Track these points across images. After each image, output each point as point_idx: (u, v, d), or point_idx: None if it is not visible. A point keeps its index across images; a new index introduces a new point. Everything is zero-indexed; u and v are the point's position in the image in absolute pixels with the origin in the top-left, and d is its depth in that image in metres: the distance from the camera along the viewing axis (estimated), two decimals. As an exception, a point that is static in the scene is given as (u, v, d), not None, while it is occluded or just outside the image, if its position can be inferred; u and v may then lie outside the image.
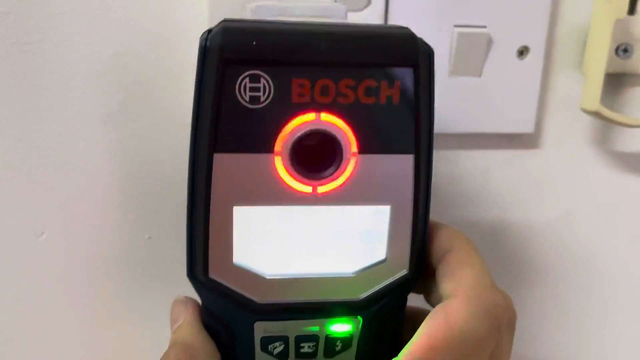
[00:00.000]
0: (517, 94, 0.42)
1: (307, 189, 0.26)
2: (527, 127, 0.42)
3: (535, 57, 0.41)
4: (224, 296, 0.26)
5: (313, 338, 0.28)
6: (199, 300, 0.28)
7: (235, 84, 0.24)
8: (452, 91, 0.40)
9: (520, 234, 0.45)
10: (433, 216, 0.42)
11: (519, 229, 0.45)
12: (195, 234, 0.26)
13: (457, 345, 0.24)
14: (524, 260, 0.46)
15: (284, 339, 0.28)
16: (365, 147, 0.25)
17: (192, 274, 0.27)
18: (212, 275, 0.26)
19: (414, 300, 0.30)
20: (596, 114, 0.41)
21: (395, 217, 0.27)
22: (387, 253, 0.27)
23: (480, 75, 0.40)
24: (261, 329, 0.27)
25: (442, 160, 0.43)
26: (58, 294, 0.39)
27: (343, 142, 0.25)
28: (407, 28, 0.26)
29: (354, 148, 0.25)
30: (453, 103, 0.41)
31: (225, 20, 0.25)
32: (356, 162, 0.25)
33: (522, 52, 0.41)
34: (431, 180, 0.27)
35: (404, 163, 0.26)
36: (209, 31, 0.24)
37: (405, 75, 0.25)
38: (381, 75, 0.24)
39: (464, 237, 0.28)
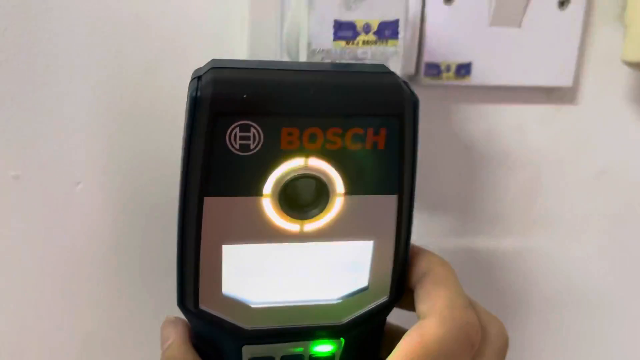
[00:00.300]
0: (556, 46, 0.41)
1: (295, 227, 0.26)
2: (565, 81, 0.41)
3: (576, 8, 0.40)
4: (213, 324, 0.27)
5: (298, 358, 0.29)
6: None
7: (226, 133, 0.24)
8: (490, 42, 0.40)
9: (555, 192, 0.45)
10: (469, 173, 0.41)
11: (554, 188, 0.44)
12: (185, 270, 0.26)
13: None
14: (558, 218, 0.45)
15: None
16: (351, 189, 0.26)
17: (182, 304, 0.27)
18: (202, 306, 0.27)
19: (395, 317, 0.31)
20: (638, 66, 0.40)
21: (377, 250, 0.28)
22: (369, 281, 0.28)
23: (519, 26, 0.40)
24: (249, 352, 0.28)
25: (478, 115, 0.42)
26: (92, 243, 0.39)
27: (330, 184, 0.26)
28: (394, 74, 0.26)
29: (340, 189, 0.26)
30: (491, 54, 0.40)
31: (214, 68, 0.25)
32: (342, 202, 0.26)
33: (563, 2, 0.40)
34: (413, 216, 0.28)
35: (388, 202, 0.27)
36: (199, 79, 0.24)
37: (391, 124, 0.25)
38: (367, 124, 0.25)
39: (441, 260, 0.29)
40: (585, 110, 0.43)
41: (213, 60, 0.26)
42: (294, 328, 0.28)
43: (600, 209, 0.45)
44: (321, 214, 0.26)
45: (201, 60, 0.26)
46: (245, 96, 0.24)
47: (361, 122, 0.25)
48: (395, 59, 0.30)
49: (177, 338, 0.29)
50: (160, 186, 0.39)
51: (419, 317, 0.27)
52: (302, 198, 0.26)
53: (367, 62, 0.30)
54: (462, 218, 0.44)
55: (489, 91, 0.42)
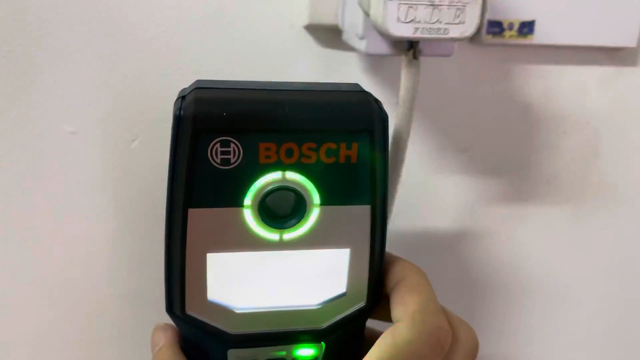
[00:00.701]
0: (621, 5, 0.39)
1: (274, 236, 0.28)
2: (629, 41, 0.40)
3: (643, -37, 0.39)
4: (200, 329, 0.29)
5: None
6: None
7: (207, 148, 0.26)
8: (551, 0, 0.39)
9: (613, 157, 0.44)
10: (526, 134, 0.41)
11: (611, 153, 0.44)
12: (172, 277, 0.28)
13: None
14: (614, 184, 0.44)
15: None
16: (326, 200, 0.27)
17: (170, 309, 0.29)
18: (189, 311, 0.28)
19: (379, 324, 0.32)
20: None
21: (354, 257, 0.29)
22: (347, 287, 0.30)
23: (584, -16, 0.39)
24: (234, 355, 0.30)
25: (538, 76, 0.41)
26: (147, 198, 0.39)
27: (306, 196, 0.27)
28: (365, 92, 0.28)
29: (317, 200, 0.27)
30: (554, 13, 0.39)
31: (197, 88, 0.26)
32: (318, 213, 0.28)
33: (629, -40, 0.39)
34: (386, 226, 0.29)
35: (362, 212, 0.28)
36: (183, 98, 0.26)
37: (362, 138, 0.27)
38: (340, 139, 0.27)
39: (415, 268, 0.30)
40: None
41: (197, 81, 0.28)
42: (276, 332, 0.30)
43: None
44: (299, 224, 0.28)
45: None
46: (224, 114, 0.25)
47: (334, 137, 0.26)
48: (474, 5, 0.30)
49: (166, 342, 0.31)
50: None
51: (393, 322, 0.28)
52: (281, 209, 0.28)
53: (444, 9, 0.30)
54: (517, 181, 0.43)
55: (550, 51, 0.41)
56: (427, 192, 0.42)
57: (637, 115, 0.43)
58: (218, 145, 0.26)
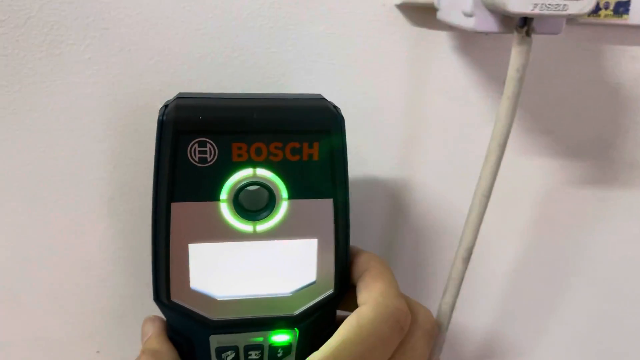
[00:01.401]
0: None
1: (249, 228, 0.31)
2: None
3: None
4: (184, 315, 0.32)
5: (258, 347, 0.33)
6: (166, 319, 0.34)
7: (187, 148, 0.29)
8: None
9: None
10: (611, 117, 0.40)
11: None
12: (158, 267, 0.31)
13: (364, 339, 0.29)
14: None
15: (235, 349, 0.33)
16: (293, 194, 0.31)
17: (157, 298, 0.32)
18: (174, 298, 0.31)
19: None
20: None
21: (321, 247, 0.32)
22: (316, 276, 0.33)
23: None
24: (215, 340, 0.33)
25: (628, 57, 0.40)
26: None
27: (275, 191, 0.31)
28: (323, 99, 0.31)
29: (285, 195, 0.31)
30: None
31: (178, 98, 0.30)
32: (287, 206, 0.31)
33: None
34: (349, 217, 0.32)
35: (326, 205, 0.31)
36: (166, 106, 0.30)
37: (322, 138, 0.30)
38: (303, 139, 0.30)
39: (378, 258, 0.33)
40: None
41: (179, 93, 0.31)
42: (253, 318, 0.33)
43: None
44: (270, 216, 0.31)
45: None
46: (201, 118, 0.29)
47: (297, 138, 0.30)
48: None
49: (155, 331, 0.34)
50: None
51: (359, 306, 0.31)
52: (253, 203, 0.31)
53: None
54: (600, 164, 0.43)
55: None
56: (511, 173, 0.42)
57: None
58: (196, 145, 0.29)
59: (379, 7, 0.37)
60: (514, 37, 0.31)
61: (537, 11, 0.29)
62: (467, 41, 0.38)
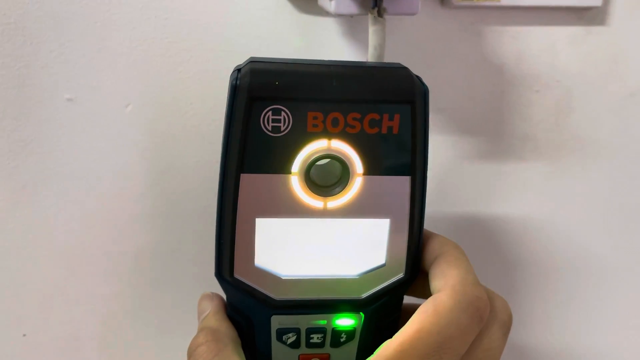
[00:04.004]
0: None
1: (319, 204, 0.29)
2: (595, 1, 0.41)
3: None
4: (246, 293, 0.30)
5: (321, 330, 0.32)
6: (224, 296, 0.32)
7: (260, 116, 0.28)
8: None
9: (585, 114, 0.45)
10: (499, 95, 0.42)
11: (584, 110, 0.45)
12: (223, 241, 0.30)
13: (442, 329, 0.27)
14: (587, 140, 0.46)
15: (296, 331, 0.32)
16: (369, 169, 0.29)
17: (219, 274, 0.31)
18: (237, 275, 0.30)
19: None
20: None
21: (393, 228, 0.30)
22: (386, 259, 0.31)
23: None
24: (277, 321, 0.31)
25: (509, 37, 0.43)
26: (142, 162, 0.41)
27: (350, 165, 0.29)
28: (406, 68, 0.29)
29: (359, 170, 0.29)
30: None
31: (251, 61, 0.28)
32: (361, 182, 0.29)
33: None
34: (425, 197, 0.30)
35: (402, 183, 0.30)
36: (239, 71, 0.28)
37: (403, 110, 0.28)
38: (383, 110, 0.28)
39: (453, 243, 0.31)
40: (616, 31, 0.43)
41: (251, 57, 0.29)
42: (318, 300, 0.31)
43: (631, 130, 0.46)
44: (342, 192, 0.29)
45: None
46: (277, 83, 0.27)
47: (377, 109, 0.28)
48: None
49: (213, 309, 0.33)
50: (207, 107, 0.41)
51: (433, 294, 0.29)
52: (326, 178, 0.30)
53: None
54: (492, 140, 0.45)
55: (519, 12, 0.42)
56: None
57: (608, 73, 0.44)
58: (270, 113, 0.28)
59: (266, -5, 0.39)
60: (369, 18, 0.34)
61: (376, -8, 0.32)
62: (353, 26, 0.41)
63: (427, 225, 0.32)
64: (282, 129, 0.28)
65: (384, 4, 0.34)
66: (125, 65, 0.39)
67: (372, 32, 0.34)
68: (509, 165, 0.46)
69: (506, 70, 0.43)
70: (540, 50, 0.43)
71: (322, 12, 0.39)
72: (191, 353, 0.31)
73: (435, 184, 0.45)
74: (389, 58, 0.37)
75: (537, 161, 0.46)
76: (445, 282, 0.29)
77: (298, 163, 0.29)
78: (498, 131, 0.45)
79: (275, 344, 0.32)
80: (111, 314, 0.44)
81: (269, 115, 0.28)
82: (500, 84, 0.44)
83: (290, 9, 0.40)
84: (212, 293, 0.34)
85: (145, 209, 0.42)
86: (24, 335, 0.44)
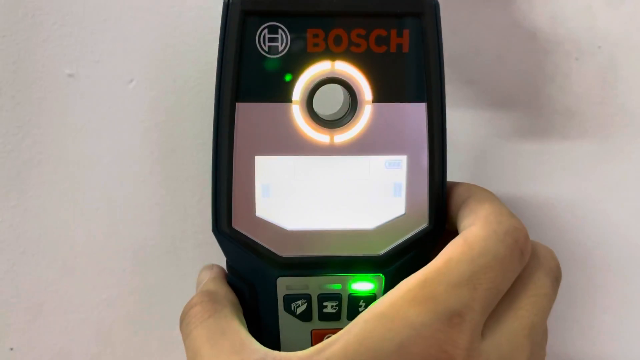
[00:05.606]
0: None
1: (325, 138, 0.27)
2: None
3: None
4: (247, 248, 0.27)
5: (336, 297, 0.28)
6: (224, 267, 0.30)
7: (255, 35, 0.26)
8: None
9: (633, 82, 0.41)
10: (535, 64, 0.39)
11: (631, 77, 0.41)
12: (219, 186, 0.27)
13: (474, 258, 0.24)
14: (627, 106, 0.41)
15: (307, 297, 0.28)
16: (379, 96, 0.26)
17: (217, 227, 0.28)
18: (236, 226, 0.27)
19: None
20: None
21: (412, 168, 0.27)
22: (405, 207, 0.28)
23: None
24: (284, 285, 0.28)
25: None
26: (144, 139, 0.39)
27: (357, 91, 0.26)
28: None
29: (368, 96, 0.27)
30: None
31: None
32: (371, 111, 0.27)
33: None
34: (446, 129, 0.27)
35: (417, 111, 0.27)
36: None
37: (412, 24, 0.26)
38: (390, 25, 0.26)
39: (481, 187, 0.28)
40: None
41: None
42: (329, 257, 0.28)
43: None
44: (350, 123, 0.27)
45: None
46: None
47: (384, 23, 0.26)
48: None
49: (211, 276, 0.30)
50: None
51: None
52: (331, 107, 0.28)
53: None
54: (530, 115, 0.41)
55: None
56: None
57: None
58: (266, 31, 0.26)
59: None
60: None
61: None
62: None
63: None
64: (280, 48, 0.26)
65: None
66: (130, 37, 0.37)
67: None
68: (550, 146, 0.41)
69: (540, 37, 0.40)
70: (575, 11, 0.39)
71: None
72: (184, 316, 0.27)
73: (468, 166, 0.41)
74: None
75: (582, 139, 0.41)
76: (476, 216, 0.25)
77: (299, 89, 0.26)
78: (535, 107, 0.41)
79: (283, 315, 0.28)
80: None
81: (264, 34, 0.26)
82: (534, 53, 0.40)
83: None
84: (212, 264, 0.31)
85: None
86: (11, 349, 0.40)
